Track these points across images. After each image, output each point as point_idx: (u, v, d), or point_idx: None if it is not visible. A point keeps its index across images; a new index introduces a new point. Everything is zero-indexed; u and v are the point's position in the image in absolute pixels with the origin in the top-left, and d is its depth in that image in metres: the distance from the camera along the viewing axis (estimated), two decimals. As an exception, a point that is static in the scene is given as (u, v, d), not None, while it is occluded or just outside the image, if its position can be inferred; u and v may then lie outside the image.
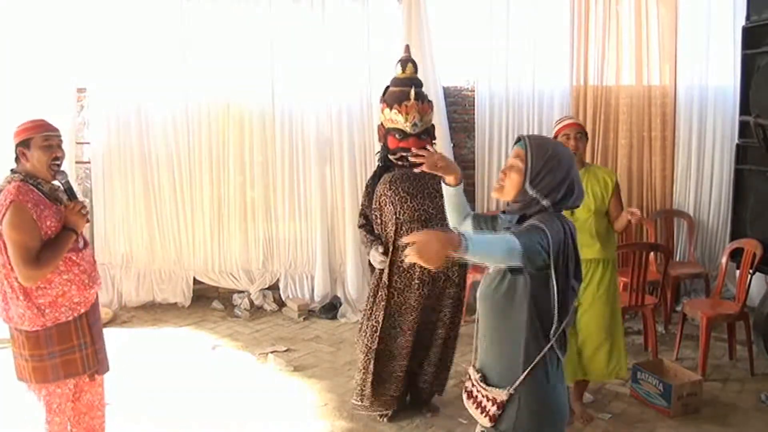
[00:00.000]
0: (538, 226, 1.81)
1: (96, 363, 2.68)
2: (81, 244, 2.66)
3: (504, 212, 2.01)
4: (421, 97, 3.50)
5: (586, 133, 3.74)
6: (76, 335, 2.60)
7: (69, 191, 2.65)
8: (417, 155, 2.22)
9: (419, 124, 3.46)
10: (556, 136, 3.80)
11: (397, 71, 3.62)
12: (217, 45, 5.36)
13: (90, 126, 5.48)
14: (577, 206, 1.99)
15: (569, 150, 2.01)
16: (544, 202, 1.90)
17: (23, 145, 2.57)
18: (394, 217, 3.45)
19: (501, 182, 1.98)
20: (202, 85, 5.40)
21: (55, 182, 2.64)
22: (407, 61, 3.60)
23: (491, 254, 1.75)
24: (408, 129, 3.44)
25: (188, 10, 5.34)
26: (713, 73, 5.42)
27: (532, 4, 5.41)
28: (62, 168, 2.64)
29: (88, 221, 2.67)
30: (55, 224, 2.54)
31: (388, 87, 3.62)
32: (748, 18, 4.62)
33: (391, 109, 3.48)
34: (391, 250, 3.49)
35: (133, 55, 5.32)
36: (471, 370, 2.01)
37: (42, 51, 5.17)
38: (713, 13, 5.36)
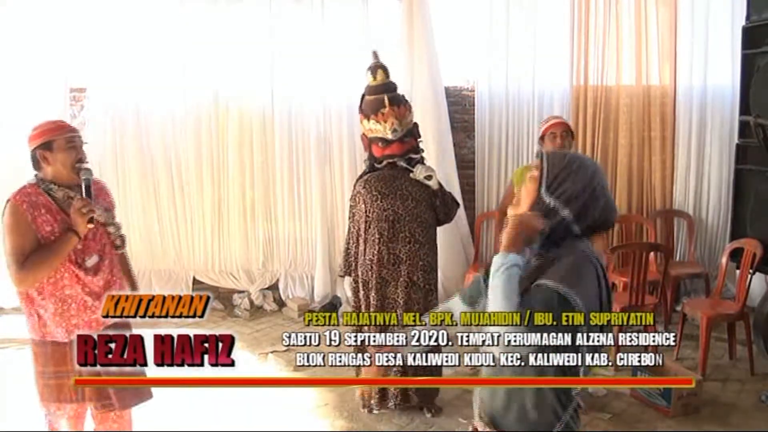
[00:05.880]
0: (558, 292, 1.56)
1: (105, 396, 2.47)
2: (90, 262, 2.46)
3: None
4: (396, 101, 3.51)
5: (572, 132, 3.80)
6: (71, 360, 2.37)
7: (86, 190, 2.44)
8: None
9: (399, 129, 3.48)
10: (542, 136, 3.84)
11: (368, 79, 3.60)
12: (217, 45, 5.35)
13: (90, 126, 5.47)
14: (608, 223, 1.73)
15: (594, 162, 1.79)
16: (564, 213, 1.65)
17: (44, 147, 2.40)
18: (365, 215, 3.51)
19: (518, 196, 1.76)
20: (201, 85, 5.40)
21: (73, 187, 2.46)
22: (377, 67, 3.60)
23: (495, 302, 1.59)
24: (389, 136, 3.47)
25: (188, 9, 5.33)
26: (713, 73, 5.41)
27: (532, 4, 5.41)
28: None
29: (90, 222, 2.39)
30: (57, 231, 2.38)
31: (363, 95, 3.61)
32: (748, 18, 4.62)
33: (368, 119, 3.51)
34: (363, 247, 3.54)
35: (132, 55, 5.31)
36: (478, 423, 1.78)
37: (40, 51, 5.16)
38: (713, 13, 5.35)
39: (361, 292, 3.59)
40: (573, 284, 1.58)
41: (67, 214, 2.41)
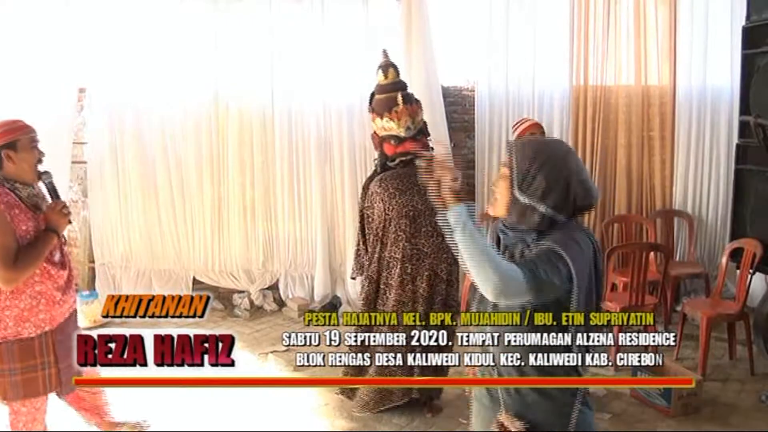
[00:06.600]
0: (553, 251, 1.60)
1: (59, 384, 2.52)
2: (57, 257, 2.52)
3: (504, 229, 1.77)
4: (408, 99, 3.54)
5: (545, 132, 3.99)
6: (39, 353, 2.45)
7: (53, 191, 2.56)
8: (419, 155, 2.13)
9: (412, 126, 3.51)
10: (519, 138, 3.85)
11: (379, 78, 3.62)
12: (217, 44, 5.36)
13: (90, 125, 5.47)
14: (591, 205, 1.75)
15: (565, 145, 1.81)
16: (542, 209, 1.67)
17: (9, 147, 2.42)
18: (384, 213, 3.50)
19: (494, 196, 1.77)
20: (201, 85, 5.39)
21: (35, 186, 2.52)
22: (388, 66, 3.63)
23: (479, 261, 1.53)
24: (403, 134, 3.49)
25: (188, 9, 5.33)
26: (712, 73, 5.41)
27: (532, 4, 5.41)
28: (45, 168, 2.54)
29: (70, 222, 2.56)
30: (32, 230, 2.42)
31: (373, 94, 3.63)
32: (748, 18, 4.62)
33: (382, 117, 3.52)
34: (379, 247, 3.52)
35: (133, 55, 5.31)
36: (505, 419, 1.78)
37: (42, 51, 5.14)
38: (712, 13, 5.34)
39: (379, 290, 3.54)
40: (567, 246, 1.62)
41: (33, 213, 2.46)
